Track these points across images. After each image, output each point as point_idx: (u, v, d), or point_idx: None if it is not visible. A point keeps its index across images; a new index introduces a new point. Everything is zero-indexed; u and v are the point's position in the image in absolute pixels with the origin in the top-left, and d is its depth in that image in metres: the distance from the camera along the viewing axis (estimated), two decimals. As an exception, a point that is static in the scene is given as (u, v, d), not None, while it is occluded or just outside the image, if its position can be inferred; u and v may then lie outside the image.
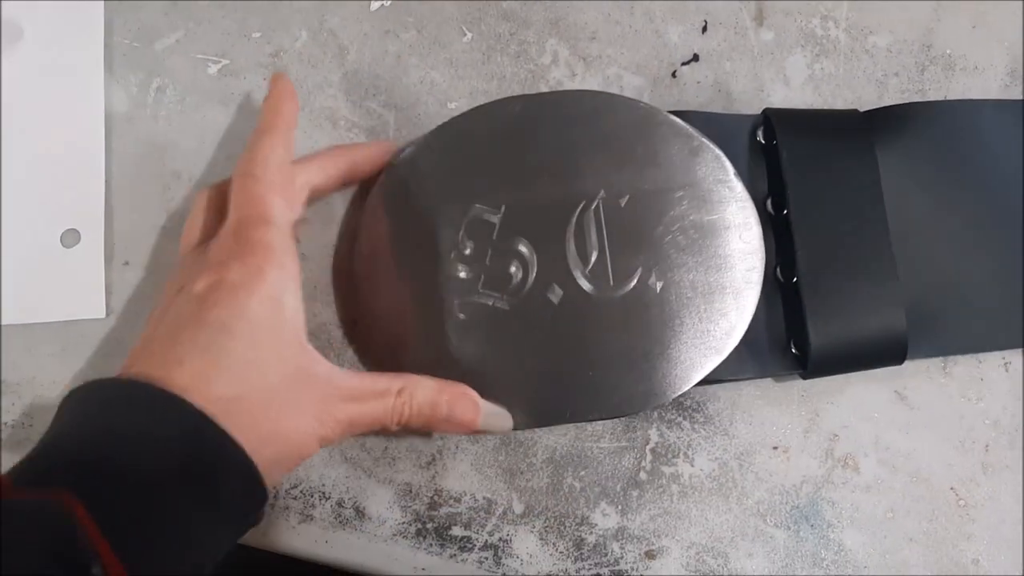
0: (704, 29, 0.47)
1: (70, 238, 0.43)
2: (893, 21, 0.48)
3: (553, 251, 0.40)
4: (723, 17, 0.47)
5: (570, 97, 0.42)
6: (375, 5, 0.47)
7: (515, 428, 0.39)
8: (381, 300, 0.40)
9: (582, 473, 0.43)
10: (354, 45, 0.46)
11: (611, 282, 0.40)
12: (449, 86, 0.46)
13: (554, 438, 0.43)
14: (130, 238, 0.44)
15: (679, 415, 0.44)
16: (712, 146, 0.41)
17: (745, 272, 0.40)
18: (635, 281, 0.40)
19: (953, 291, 0.45)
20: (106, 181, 0.44)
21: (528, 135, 0.41)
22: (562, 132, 0.41)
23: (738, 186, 0.41)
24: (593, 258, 0.40)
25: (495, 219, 0.40)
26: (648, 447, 0.44)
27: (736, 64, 0.47)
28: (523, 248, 0.40)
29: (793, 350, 0.43)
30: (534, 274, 0.40)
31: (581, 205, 0.40)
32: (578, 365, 0.39)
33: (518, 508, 0.42)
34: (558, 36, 0.47)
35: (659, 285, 0.40)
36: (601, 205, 0.40)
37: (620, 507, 0.43)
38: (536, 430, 0.43)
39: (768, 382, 0.44)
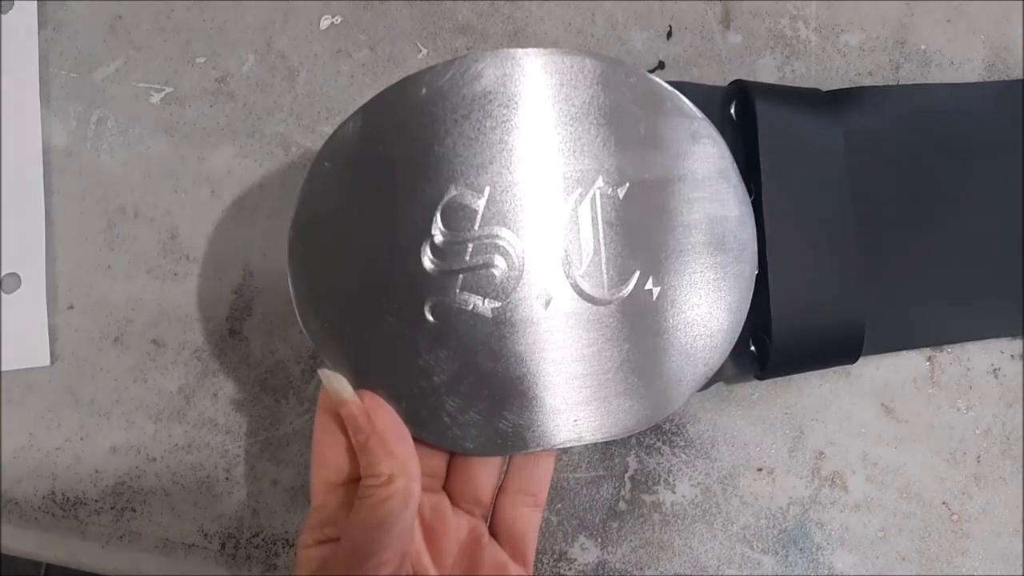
0: (669, 34, 0.45)
1: (10, 283, 0.41)
2: (865, 18, 0.46)
3: (544, 247, 0.34)
4: (688, 21, 0.45)
5: (566, 59, 0.34)
6: (325, 23, 0.45)
7: (494, 454, 0.35)
8: (329, 300, 0.33)
9: (558, 506, 0.41)
10: (304, 66, 0.44)
11: (605, 287, 0.34)
12: (405, 105, 0.44)
13: (528, 470, 0.41)
14: (74, 280, 0.42)
15: (658, 439, 0.42)
16: (712, 129, 0.36)
17: (741, 277, 0.36)
18: (632, 286, 0.35)
19: (920, 279, 0.43)
20: (47, 220, 0.42)
21: (520, 102, 0.34)
22: (559, 102, 0.34)
23: (736, 177, 0.36)
24: (587, 258, 0.34)
25: (478, 204, 0.33)
26: (627, 475, 0.42)
27: (704, 70, 0.45)
28: (510, 242, 0.34)
29: (752, 348, 0.40)
30: (522, 274, 0.34)
31: (577, 193, 0.34)
32: (565, 381, 0.34)
33: (493, 546, 0.40)
34: (518, 48, 0.45)
35: (656, 291, 0.35)
36: (599, 195, 0.34)
37: (600, 540, 0.41)
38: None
39: (750, 400, 0.43)
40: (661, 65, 0.45)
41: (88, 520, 0.40)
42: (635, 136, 0.35)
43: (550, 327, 0.34)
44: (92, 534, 0.40)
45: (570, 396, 0.34)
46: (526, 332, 0.34)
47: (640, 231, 0.35)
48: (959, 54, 0.46)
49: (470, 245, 0.33)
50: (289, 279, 0.33)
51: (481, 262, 0.33)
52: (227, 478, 0.41)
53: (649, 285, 0.35)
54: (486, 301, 0.34)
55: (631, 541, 0.41)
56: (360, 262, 0.33)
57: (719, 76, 0.45)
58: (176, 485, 0.41)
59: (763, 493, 0.42)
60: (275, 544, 0.40)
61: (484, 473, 0.35)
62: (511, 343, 0.34)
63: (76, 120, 0.43)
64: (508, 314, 0.34)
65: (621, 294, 0.35)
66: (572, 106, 0.34)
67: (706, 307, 0.36)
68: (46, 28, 0.44)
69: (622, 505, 0.41)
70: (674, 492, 0.42)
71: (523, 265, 0.34)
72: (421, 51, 0.44)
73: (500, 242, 0.34)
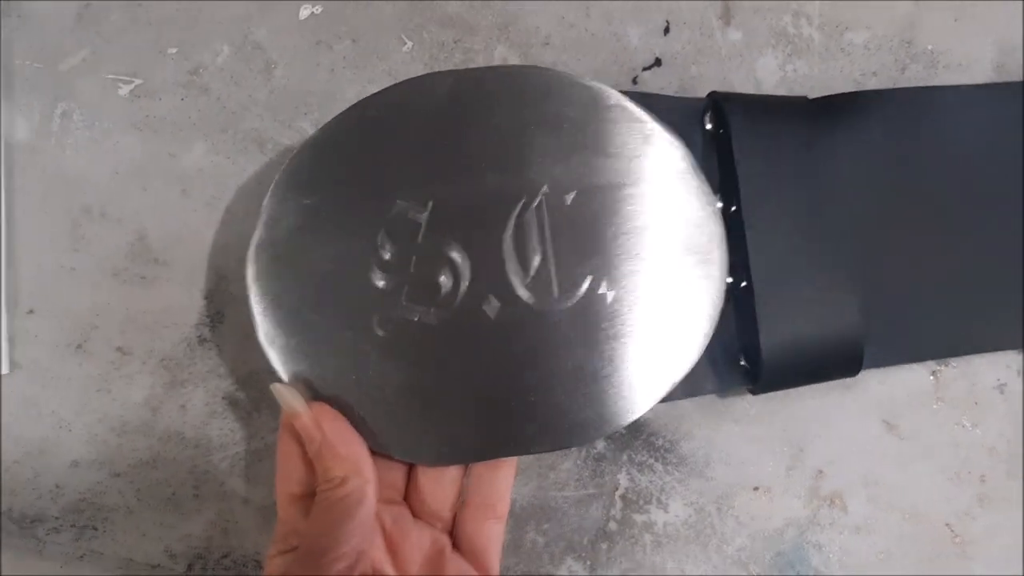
0: (667, 30, 0.43)
1: (-34, 286, 0.39)
2: (870, 16, 0.44)
3: (489, 256, 0.35)
4: (687, 16, 0.43)
5: (510, 74, 0.36)
6: (304, 13, 0.42)
7: (448, 463, 0.35)
8: (287, 316, 0.34)
9: (545, 527, 0.39)
10: (282, 59, 0.42)
11: (555, 292, 0.35)
12: (388, 102, 0.42)
13: (513, 488, 0.39)
14: (35, 283, 0.40)
15: (650, 456, 0.40)
16: (669, 133, 0.36)
17: (707, 278, 0.36)
18: (583, 290, 0.35)
19: (915, 291, 0.41)
20: (7, 219, 0.40)
21: (460, 117, 0.35)
22: (500, 114, 0.35)
23: (697, 180, 0.36)
24: (535, 264, 0.35)
25: (420, 218, 0.34)
26: (617, 493, 0.40)
27: (702, 67, 0.43)
28: (454, 253, 0.35)
29: (743, 362, 0.39)
30: (467, 283, 0.34)
31: (521, 202, 0.35)
32: (518, 389, 0.34)
33: (476, 567, 0.39)
34: (507, 42, 0.43)
35: (610, 295, 0.35)
36: (544, 202, 0.35)
37: (588, 563, 0.39)
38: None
39: (747, 416, 0.41)
40: (658, 62, 0.43)
41: (47, 539, 0.38)
42: (582, 144, 0.35)
43: (499, 335, 0.35)
44: (51, 553, 0.38)
45: (520, 404, 0.34)
46: (474, 341, 0.34)
47: (591, 236, 0.35)
48: (967, 54, 0.45)
49: (414, 257, 0.34)
50: (250, 301, 0.34)
51: (425, 273, 0.34)
52: (195, 495, 0.39)
53: (603, 289, 0.35)
54: (432, 311, 0.34)
55: (621, 563, 0.39)
56: (316, 280, 0.34)
57: (718, 74, 0.43)
58: (141, 502, 0.39)
59: (760, 513, 0.40)
60: (246, 566, 0.38)
61: (442, 486, 0.35)
62: (459, 352, 0.35)
63: (40, 114, 0.41)
64: (455, 323, 0.34)
65: (572, 299, 0.35)
66: (516, 119, 0.35)
67: (669, 310, 0.35)
68: (9, 16, 0.41)
69: (612, 525, 0.40)
70: (667, 512, 0.40)
71: (468, 274, 0.35)
72: (406, 44, 0.42)
73: (444, 253, 0.35)
